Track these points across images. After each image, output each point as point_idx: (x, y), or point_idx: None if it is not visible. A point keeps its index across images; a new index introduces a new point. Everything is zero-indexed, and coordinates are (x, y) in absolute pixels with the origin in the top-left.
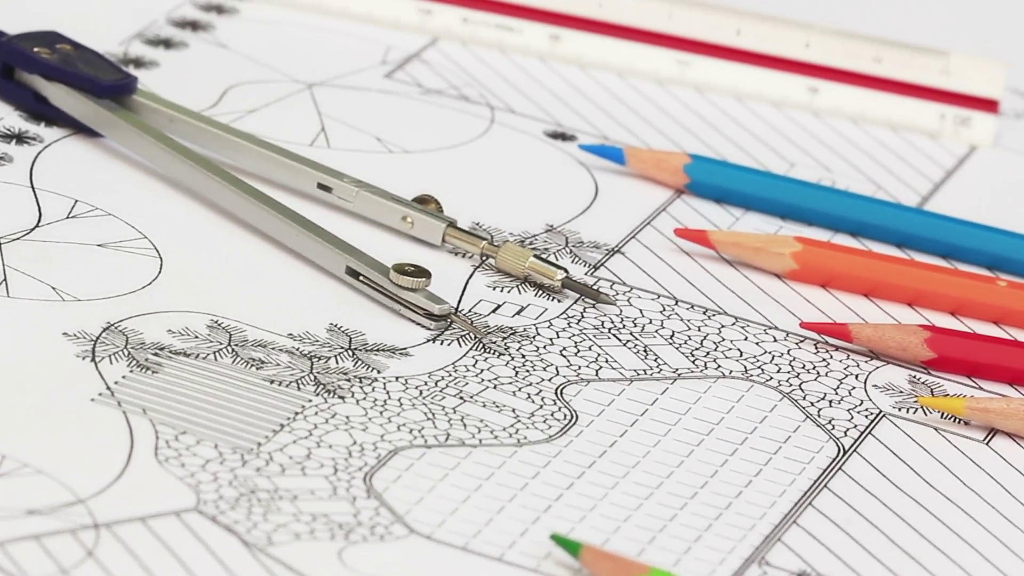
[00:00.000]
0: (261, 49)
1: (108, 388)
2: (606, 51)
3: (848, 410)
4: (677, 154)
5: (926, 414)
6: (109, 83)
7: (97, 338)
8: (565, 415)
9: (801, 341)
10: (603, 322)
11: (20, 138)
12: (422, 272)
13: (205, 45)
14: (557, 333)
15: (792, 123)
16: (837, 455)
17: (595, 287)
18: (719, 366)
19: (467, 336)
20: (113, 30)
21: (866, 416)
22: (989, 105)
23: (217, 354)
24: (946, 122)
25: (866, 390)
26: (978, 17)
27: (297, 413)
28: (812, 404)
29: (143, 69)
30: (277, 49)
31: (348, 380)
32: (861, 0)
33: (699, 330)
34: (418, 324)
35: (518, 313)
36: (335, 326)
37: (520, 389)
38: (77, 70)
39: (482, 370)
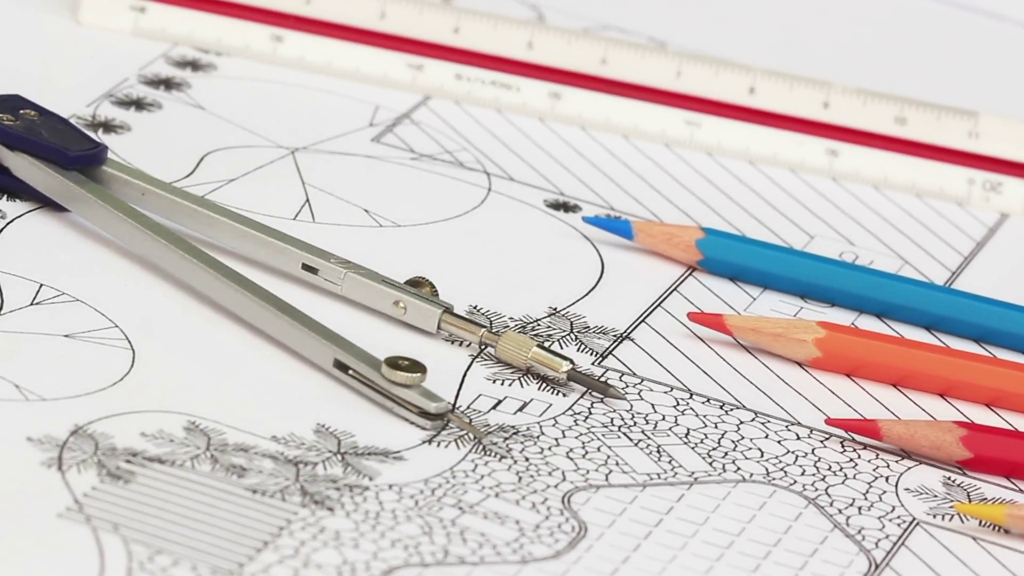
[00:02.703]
0: (240, 109)
1: (76, 502)
2: (610, 111)
3: (879, 518)
4: (689, 228)
5: (963, 521)
6: (77, 154)
7: (64, 443)
8: (573, 527)
9: (826, 438)
10: (612, 419)
11: None
12: (417, 367)
13: (180, 106)
14: (563, 432)
15: (810, 189)
16: (868, 570)
17: (603, 380)
18: (739, 468)
19: (466, 436)
20: (81, 89)
21: (899, 524)
22: (1021, 169)
23: (195, 460)
24: (975, 188)
25: (898, 494)
26: (1009, 75)
27: (282, 528)
28: (840, 511)
29: (113, 134)
30: (257, 110)
31: (337, 489)
32: (883, 57)
33: (716, 427)
34: (412, 423)
35: (520, 410)
36: (322, 427)
37: (524, 497)
38: (42, 139)
39: (482, 476)
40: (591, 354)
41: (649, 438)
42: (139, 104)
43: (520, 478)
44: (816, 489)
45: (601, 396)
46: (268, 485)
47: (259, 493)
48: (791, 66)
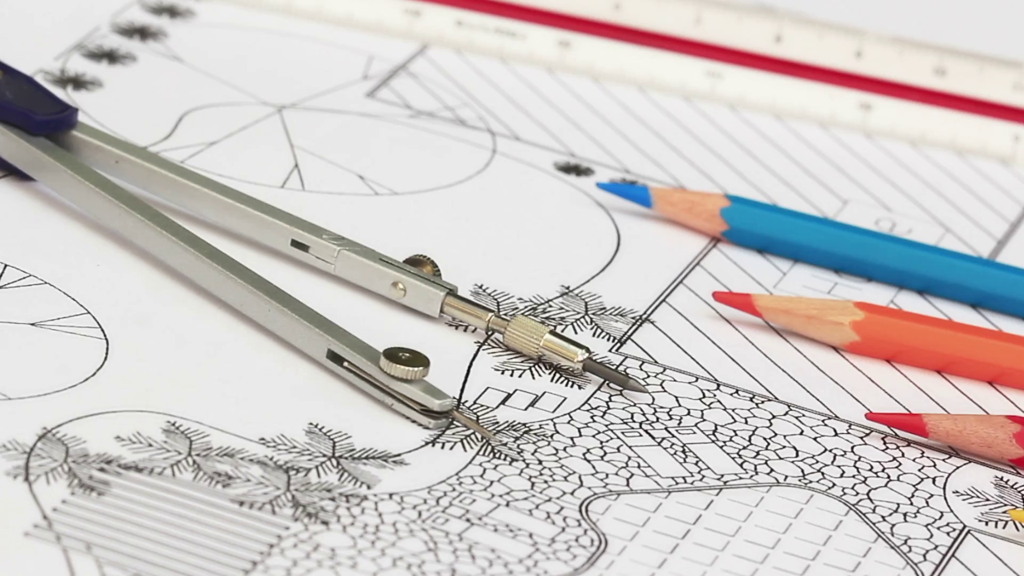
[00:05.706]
0: (222, 62)
1: (45, 517)
2: (624, 61)
3: (926, 525)
4: (712, 196)
5: (1018, 528)
6: (44, 118)
7: (31, 450)
8: (592, 540)
9: (867, 434)
10: (632, 414)
11: None
12: (419, 359)
13: (156, 58)
14: (579, 430)
15: (842, 147)
16: None
17: (622, 369)
18: (772, 470)
19: (472, 436)
20: (48, 39)
21: (948, 533)
22: None
23: (176, 467)
24: (1020, 145)
25: (946, 498)
26: None
27: (272, 545)
28: (884, 519)
29: (84, 91)
30: (241, 61)
31: (332, 499)
32: (921, 3)
33: (746, 422)
34: (414, 422)
35: (532, 404)
36: (315, 427)
37: (537, 507)
38: (7, 101)
39: (491, 482)
40: (608, 340)
41: (673, 436)
42: (112, 57)
43: (533, 484)
44: (857, 493)
45: (620, 388)
46: (256, 495)
47: (246, 505)
48: (821, 12)
